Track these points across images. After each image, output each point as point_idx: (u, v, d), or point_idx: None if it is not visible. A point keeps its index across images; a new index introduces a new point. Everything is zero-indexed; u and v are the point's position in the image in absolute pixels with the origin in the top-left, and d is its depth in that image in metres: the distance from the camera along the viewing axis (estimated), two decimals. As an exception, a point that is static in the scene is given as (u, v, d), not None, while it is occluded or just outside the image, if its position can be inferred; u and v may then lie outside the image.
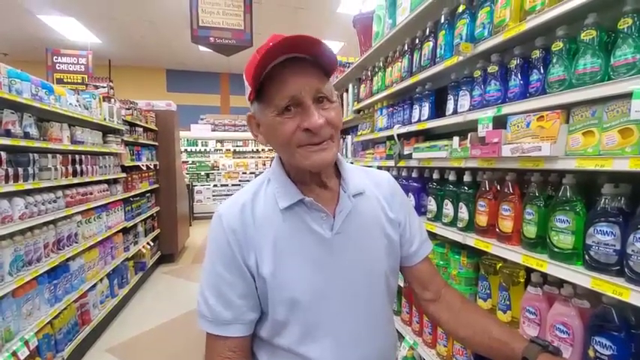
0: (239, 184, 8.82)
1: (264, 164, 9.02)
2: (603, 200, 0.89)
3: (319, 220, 0.73)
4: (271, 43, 0.61)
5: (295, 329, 0.71)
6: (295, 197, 0.72)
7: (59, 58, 5.79)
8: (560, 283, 1.03)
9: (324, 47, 0.65)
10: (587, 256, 0.91)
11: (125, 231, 3.71)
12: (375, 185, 0.83)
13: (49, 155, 2.36)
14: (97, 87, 3.98)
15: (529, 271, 1.13)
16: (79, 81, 5.71)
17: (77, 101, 2.79)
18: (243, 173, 8.99)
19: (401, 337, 1.94)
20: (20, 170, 2.05)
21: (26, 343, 1.97)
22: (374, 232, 0.79)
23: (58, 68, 5.78)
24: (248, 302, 0.71)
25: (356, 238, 0.75)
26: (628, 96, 0.80)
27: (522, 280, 1.22)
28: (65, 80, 5.74)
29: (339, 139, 0.72)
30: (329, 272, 0.72)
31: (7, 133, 1.98)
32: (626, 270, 0.82)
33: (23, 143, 2.06)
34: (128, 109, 4.02)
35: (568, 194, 0.99)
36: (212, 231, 0.73)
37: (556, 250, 1.00)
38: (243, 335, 0.71)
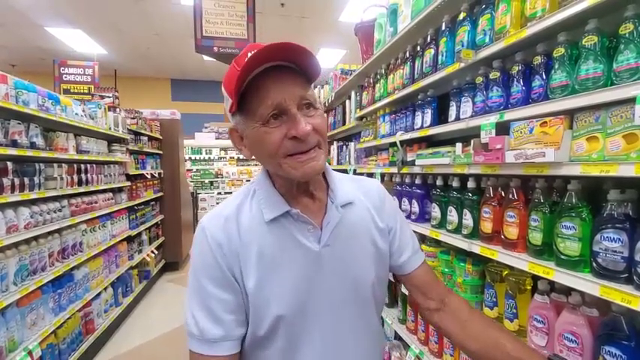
0: (243, 192, 8.83)
1: (268, 171, 9.06)
2: (609, 206, 0.88)
3: (306, 233, 0.70)
4: (250, 53, 0.60)
5: (278, 344, 0.69)
6: (281, 209, 0.70)
7: (66, 69, 5.88)
8: (567, 290, 1.01)
9: (306, 53, 0.62)
10: (594, 264, 0.90)
11: (129, 239, 3.72)
12: (364, 194, 0.81)
13: (55, 165, 2.39)
14: (102, 97, 4.03)
15: (536, 278, 1.12)
16: (86, 91, 5.78)
17: (83, 111, 2.83)
18: (247, 181, 9.01)
19: (406, 346, 1.91)
20: (26, 180, 2.08)
21: (30, 353, 1.96)
22: (362, 242, 0.76)
23: (65, 79, 5.86)
24: (237, 317, 0.68)
25: (344, 249, 0.73)
26: (632, 101, 0.80)
27: (529, 288, 1.20)
28: (72, 91, 5.81)
29: (326, 147, 0.71)
30: (315, 286, 0.70)
31: (14, 144, 2.00)
32: (634, 277, 0.80)
33: (29, 153, 2.08)
34: (133, 118, 4.07)
35: (573, 200, 0.98)
36: (196, 245, 0.70)
37: (563, 257, 0.98)
38: (232, 353, 0.68)
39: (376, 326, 0.82)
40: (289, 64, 0.64)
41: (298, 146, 0.64)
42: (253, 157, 0.73)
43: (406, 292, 1.99)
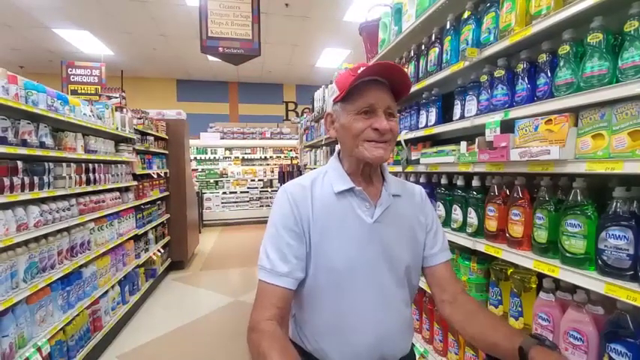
0: (247, 191, 8.86)
1: (272, 171, 9.06)
2: (615, 204, 0.88)
3: (364, 208, 0.89)
4: (362, 68, 0.83)
5: (331, 292, 0.85)
6: (348, 184, 0.89)
7: (73, 70, 5.96)
8: (573, 288, 1.01)
9: (403, 77, 0.86)
10: (599, 261, 0.90)
11: (136, 238, 3.75)
12: (410, 193, 1.00)
13: (64, 164, 2.42)
14: (109, 97, 4.07)
15: (541, 276, 1.12)
16: (93, 92, 5.85)
17: (91, 111, 2.86)
18: (252, 180, 9.03)
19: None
20: (36, 179, 2.11)
21: (39, 349, 1.99)
22: (405, 229, 0.93)
23: (73, 80, 5.94)
24: (299, 263, 0.85)
25: (390, 229, 0.90)
26: (637, 98, 0.80)
27: (534, 286, 1.20)
28: (79, 91, 5.89)
29: (393, 147, 0.91)
30: (365, 251, 0.87)
31: (24, 143, 2.04)
32: (640, 275, 0.80)
33: (39, 153, 2.11)
34: (140, 118, 4.10)
35: (579, 198, 0.97)
36: (277, 200, 0.90)
37: (568, 255, 0.98)
38: (292, 289, 0.84)
39: (408, 303, 0.96)
40: (386, 80, 0.87)
41: (377, 136, 0.85)
42: (337, 137, 0.93)
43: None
